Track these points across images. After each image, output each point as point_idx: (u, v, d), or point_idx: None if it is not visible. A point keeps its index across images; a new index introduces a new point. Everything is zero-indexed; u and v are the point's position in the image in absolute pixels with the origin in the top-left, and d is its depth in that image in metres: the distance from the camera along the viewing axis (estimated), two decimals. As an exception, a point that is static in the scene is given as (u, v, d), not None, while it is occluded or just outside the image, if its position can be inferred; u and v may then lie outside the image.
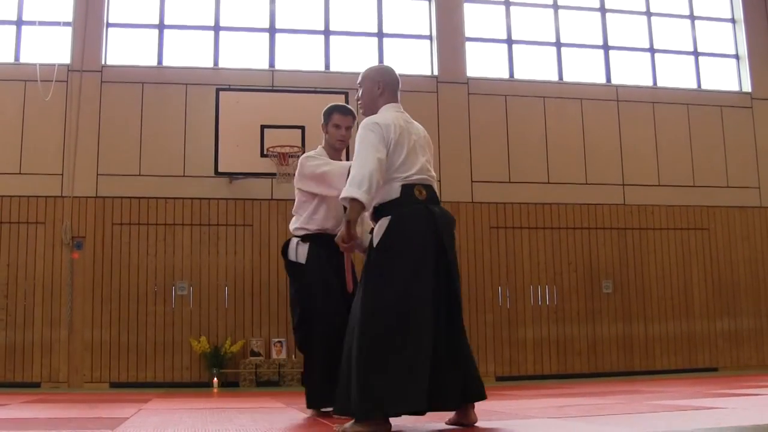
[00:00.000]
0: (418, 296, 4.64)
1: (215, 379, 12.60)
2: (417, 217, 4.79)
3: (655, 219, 14.86)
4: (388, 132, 4.88)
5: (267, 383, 12.75)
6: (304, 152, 12.46)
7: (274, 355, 13.05)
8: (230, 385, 12.77)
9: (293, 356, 13.11)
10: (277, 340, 13.15)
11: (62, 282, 12.91)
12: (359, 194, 4.65)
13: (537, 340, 14.08)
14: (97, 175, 13.29)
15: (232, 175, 13.21)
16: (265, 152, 12.56)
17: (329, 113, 6.24)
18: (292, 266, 6.22)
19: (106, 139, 13.41)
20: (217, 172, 12.80)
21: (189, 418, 6.00)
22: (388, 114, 5.04)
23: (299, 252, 6.11)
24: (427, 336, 4.57)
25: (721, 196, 15.20)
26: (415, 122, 5.15)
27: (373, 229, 4.94)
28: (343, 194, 4.76)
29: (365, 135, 4.86)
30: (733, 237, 15.16)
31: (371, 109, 5.16)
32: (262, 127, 12.67)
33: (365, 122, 4.95)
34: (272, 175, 12.80)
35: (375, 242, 4.85)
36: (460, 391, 4.67)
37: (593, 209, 14.67)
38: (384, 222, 4.83)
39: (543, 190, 14.54)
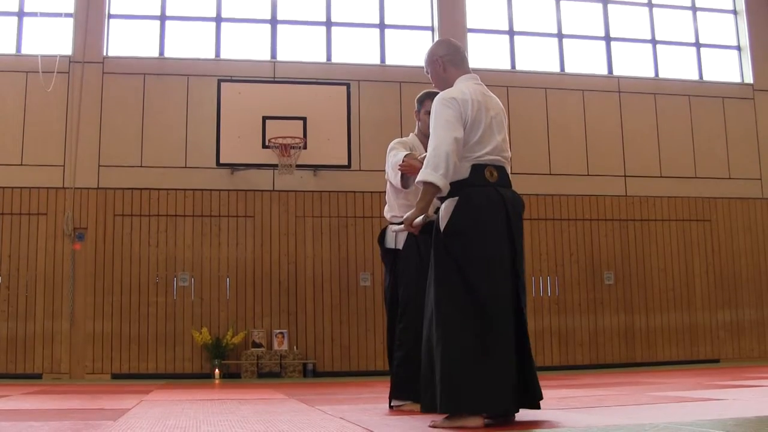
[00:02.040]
0: (497, 286, 4.36)
1: (217, 370, 12.62)
2: (487, 201, 4.44)
3: (656, 210, 14.85)
4: (465, 108, 4.50)
5: (268, 374, 12.77)
6: (305, 143, 12.61)
7: (275, 347, 13.06)
8: (232, 376, 12.79)
9: (294, 347, 13.13)
10: (278, 331, 13.17)
11: (64, 273, 12.92)
12: (435, 178, 4.37)
13: (539, 331, 14.08)
14: (99, 166, 13.29)
15: (233, 167, 13.22)
16: (266, 143, 12.56)
17: (422, 100, 5.79)
18: (389, 254, 5.80)
19: (108, 130, 13.41)
20: (218, 164, 12.81)
21: (191, 409, 6.01)
22: (466, 87, 4.63)
23: (399, 239, 5.71)
24: (510, 330, 4.33)
25: (723, 188, 15.20)
26: (494, 96, 4.74)
27: (438, 208, 4.62)
28: (418, 177, 4.49)
29: (441, 111, 4.50)
30: (734, 228, 15.16)
31: (445, 88, 4.72)
32: (264, 118, 12.67)
33: (441, 96, 4.58)
34: (274, 166, 12.81)
35: (442, 226, 4.46)
36: (530, 391, 4.42)
37: (595, 200, 14.67)
38: (450, 204, 4.47)
39: (544, 181, 14.54)
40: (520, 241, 4.53)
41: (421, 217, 4.52)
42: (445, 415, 4.27)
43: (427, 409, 4.45)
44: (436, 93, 4.97)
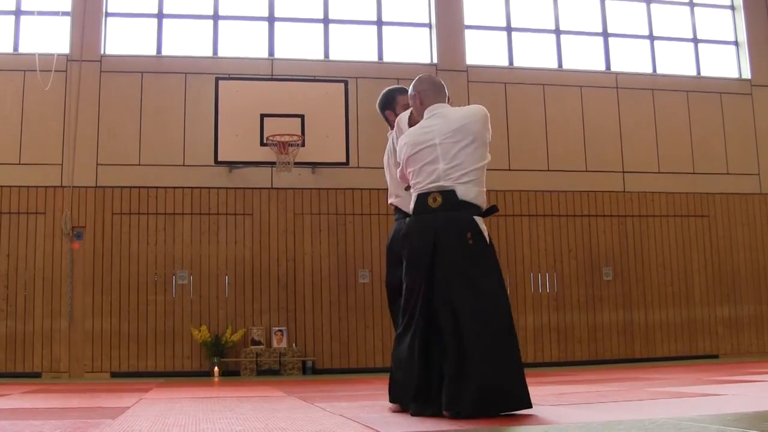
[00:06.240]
0: (414, 304, 4.87)
1: (216, 368, 12.63)
2: (416, 227, 4.94)
3: (655, 206, 14.86)
4: (399, 153, 5.15)
5: (268, 372, 12.78)
6: (303, 140, 12.60)
7: (274, 344, 13.06)
8: (231, 374, 12.80)
9: (293, 345, 13.14)
10: (277, 328, 13.17)
11: (62, 272, 12.92)
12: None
13: (537, 327, 14.10)
14: (97, 164, 13.28)
15: (231, 164, 13.21)
16: (264, 141, 12.55)
17: (394, 97, 5.87)
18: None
19: (106, 128, 13.40)
20: (216, 161, 12.80)
21: (190, 407, 6.01)
22: (413, 128, 5.17)
23: None
24: (415, 340, 4.82)
25: (721, 183, 15.20)
26: (454, 113, 5.04)
27: None
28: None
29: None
30: (733, 224, 15.16)
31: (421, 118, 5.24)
32: (262, 116, 12.66)
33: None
34: (272, 163, 12.80)
35: None
36: (450, 400, 4.60)
37: (593, 196, 14.67)
38: None
39: (543, 177, 14.54)
40: (454, 259, 4.76)
41: None
42: None
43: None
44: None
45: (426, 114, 5.11)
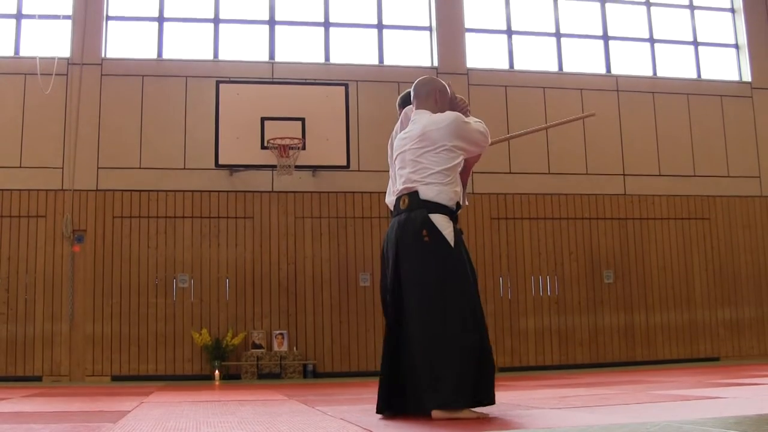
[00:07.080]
0: (387, 304, 5.09)
1: (217, 371, 12.62)
2: (390, 228, 5.18)
3: (655, 209, 14.86)
4: (389, 155, 5.50)
5: (268, 375, 12.77)
6: (304, 144, 12.60)
7: (275, 348, 13.06)
8: (232, 377, 12.79)
9: (294, 348, 13.13)
10: (278, 332, 13.16)
11: (63, 275, 12.92)
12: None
13: (538, 330, 14.09)
14: (98, 168, 13.29)
15: (232, 168, 13.21)
16: (265, 144, 12.56)
17: (407, 98, 5.58)
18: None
19: (107, 132, 13.41)
20: (217, 165, 12.80)
21: (191, 411, 6.01)
22: (401, 133, 5.32)
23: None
24: (390, 341, 4.97)
25: (722, 186, 15.20)
26: (423, 120, 5.15)
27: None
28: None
29: None
30: (733, 226, 15.16)
31: None
32: (263, 119, 12.67)
33: None
34: (273, 167, 12.81)
35: None
36: (408, 395, 4.90)
37: (594, 199, 14.66)
38: None
39: (544, 180, 14.53)
40: (408, 259, 4.92)
41: None
42: None
43: None
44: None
45: (412, 116, 5.30)
